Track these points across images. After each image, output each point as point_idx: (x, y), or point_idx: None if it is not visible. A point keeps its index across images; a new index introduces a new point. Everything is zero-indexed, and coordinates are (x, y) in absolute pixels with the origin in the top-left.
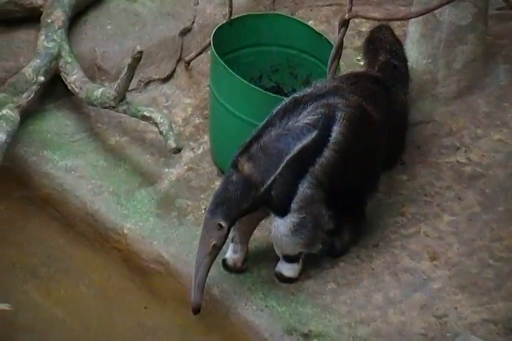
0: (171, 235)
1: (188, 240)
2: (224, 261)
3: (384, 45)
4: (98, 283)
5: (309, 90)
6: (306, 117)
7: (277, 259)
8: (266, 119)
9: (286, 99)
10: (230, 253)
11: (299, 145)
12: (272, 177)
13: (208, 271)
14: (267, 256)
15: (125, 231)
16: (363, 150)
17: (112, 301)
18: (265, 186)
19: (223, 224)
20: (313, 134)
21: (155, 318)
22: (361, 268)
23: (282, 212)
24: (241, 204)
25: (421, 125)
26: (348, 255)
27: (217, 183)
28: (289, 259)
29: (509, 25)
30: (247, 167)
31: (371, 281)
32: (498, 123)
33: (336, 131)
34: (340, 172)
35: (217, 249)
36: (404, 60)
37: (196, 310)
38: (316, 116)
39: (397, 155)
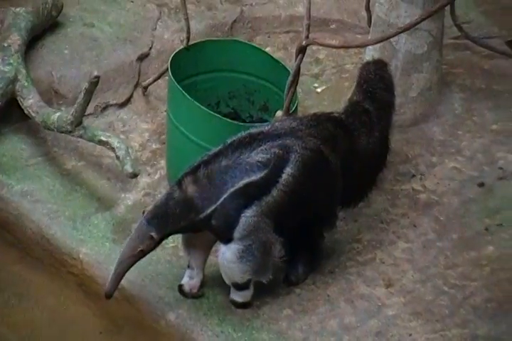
0: None
1: (143, 265)
2: (180, 286)
3: (361, 83)
4: (53, 308)
5: (266, 128)
6: (258, 154)
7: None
8: (218, 148)
9: (242, 133)
10: (186, 279)
11: (245, 180)
12: (213, 207)
13: (128, 270)
14: (223, 282)
15: (81, 256)
16: (315, 191)
17: (67, 326)
18: (205, 214)
19: (155, 236)
20: (263, 173)
21: None
22: (317, 294)
23: (226, 240)
24: (177, 222)
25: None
26: (303, 281)
27: None
28: (239, 287)
29: (464, 55)
30: (190, 189)
31: (327, 308)
32: (452, 151)
33: (287, 172)
34: (287, 211)
35: (143, 254)
36: (382, 101)
37: (108, 297)
38: (268, 156)
39: (362, 195)
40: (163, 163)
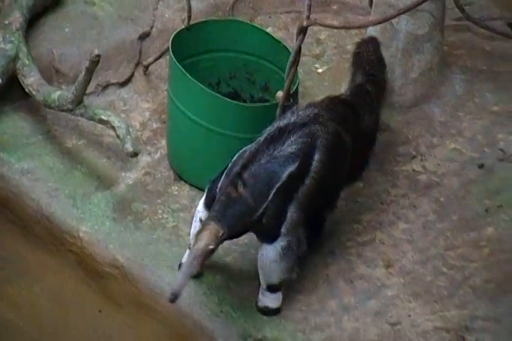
0: (126, 239)
1: (143, 244)
2: (181, 265)
3: (363, 65)
4: (53, 286)
5: (292, 119)
6: (290, 146)
7: (234, 264)
8: (254, 147)
9: (270, 128)
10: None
11: (285, 173)
12: (264, 205)
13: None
14: (223, 261)
15: (81, 234)
16: (335, 173)
17: (67, 304)
18: (258, 214)
19: (226, 234)
20: (297, 163)
21: (109, 322)
22: (316, 274)
23: (272, 238)
24: (237, 224)
25: (377, 133)
26: (303, 261)
27: (174, 188)
28: (274, 289)
29: (466, 36)
30: (242, 191)
31: (326, 288)
32: (453, 133)
33: (316, 159)
34: (316, 197)
35: (211, 253)
36: (380, 82)
37: (174, 300)
38: (299, 145)
39: (359, 173)
40: (163, 142)
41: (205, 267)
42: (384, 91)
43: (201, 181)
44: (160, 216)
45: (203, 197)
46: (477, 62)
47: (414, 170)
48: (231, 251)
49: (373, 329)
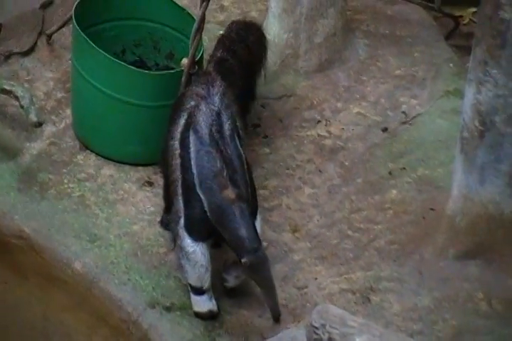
0: (32, 210)
1: (49, 215)
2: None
3: (224, 41)
4: None
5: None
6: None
7: (141, 233)
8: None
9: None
10: None
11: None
12: (249, 189)
13: None
14: (130, 230)
15: None
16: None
17: None
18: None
19: None
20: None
21: (16, 293)
22: None
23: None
24: None
25: (283, 98)
26: None
27: (80, 157)
28: None
29: (368, 1)
30: (234, 194)
31: (234, 254)
32: (357, 97)
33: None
34: None
35: None
36: (242, 56)
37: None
38: (229, 110)
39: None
40: (68, 111)
41: (113, 237)
42: (249, 63)
43: (107, 150)
44: (66, 186)
45: (184, 228)
46: (380, 26)
47: (319, 135)
48: (138, 219)
49: (281, 293)
